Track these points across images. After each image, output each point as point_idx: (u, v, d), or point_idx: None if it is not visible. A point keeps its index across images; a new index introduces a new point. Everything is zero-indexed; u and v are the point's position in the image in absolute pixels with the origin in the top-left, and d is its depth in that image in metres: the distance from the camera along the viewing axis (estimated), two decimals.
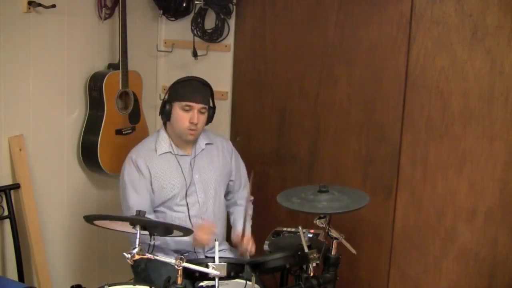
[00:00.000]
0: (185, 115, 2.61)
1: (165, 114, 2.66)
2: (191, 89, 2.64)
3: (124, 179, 2.63)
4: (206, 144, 2.77)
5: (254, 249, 2.64)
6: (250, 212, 2.85)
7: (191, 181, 2.69)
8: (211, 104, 2.72)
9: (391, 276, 3.21)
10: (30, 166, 2.72)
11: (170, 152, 2.68)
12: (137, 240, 2.04)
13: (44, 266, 2.77)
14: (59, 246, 2.97)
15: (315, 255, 2.20)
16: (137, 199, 2.59)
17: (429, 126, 3.05)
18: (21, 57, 2.65)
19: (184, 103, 2.61)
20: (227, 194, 2.89)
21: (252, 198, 2.90)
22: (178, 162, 2.68)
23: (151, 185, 2.63)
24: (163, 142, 2.69)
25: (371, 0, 3.08)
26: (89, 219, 2.16)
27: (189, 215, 2.67)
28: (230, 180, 2.86)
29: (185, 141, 2.69)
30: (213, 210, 2.73)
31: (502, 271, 3.00)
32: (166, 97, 2.68)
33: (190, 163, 2.71)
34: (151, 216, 2.59)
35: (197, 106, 2.62)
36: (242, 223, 2.69)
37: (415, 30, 3.00)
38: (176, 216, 2.67)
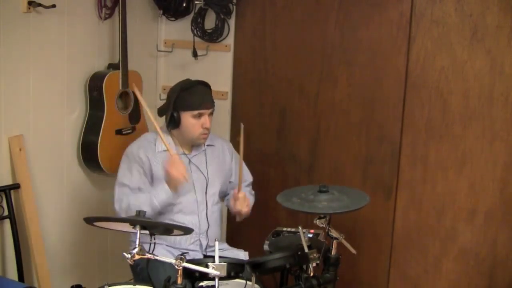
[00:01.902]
0: (197, 122, 2.63)
1: (174, 124, 2.65)
2: (200, 97, 2.65)
3: (122, 162, 2.67)
4: (207, 145, 2.78)
5: (247, 210, 2.70)
6: (252, 199, 2.88)
7: (189, 180, 2.69)
8: None
9: (391, 276, 3.21)
10: (30, 166, 2.72)
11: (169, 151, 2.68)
12: (137, 240, 2.04)
13: (44, 266, 2.77)
14: (59, 246, 2.97)
15: (315, 255, 2.20)
16: (129, 177, 2.62)
17: (429, 126, 3.05)
18: (21, 57, 2.65)
19: (196, 112, 2.62)
20: (225, 194, 2.89)
21: (253, 192, 2.91)
22: None
23: (151, 176, 2.64)
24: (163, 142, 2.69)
25: (371, 0, 3.08)
26: (89, 221, 2.16)
27: (206, 214, 2.68)
28: (230, 182, 2.87)
29: (196, 144, 2.71)
30: (210, 209, 2.74)
31: (502, 271, 3.00)
32: (171, 106, 2.64)
33: (189, 162, 2.71)
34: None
35: (208, 111, 2.65)
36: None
37: (415, 30, 3.00)
38: (175, 214, 2.67)
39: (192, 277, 2.13)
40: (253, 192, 2.95)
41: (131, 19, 3.07)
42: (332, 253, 2.33)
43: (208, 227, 2.71)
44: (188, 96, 2.64)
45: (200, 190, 2.72)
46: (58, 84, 2.87)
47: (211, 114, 2.67)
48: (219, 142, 2.86)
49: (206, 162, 2.75)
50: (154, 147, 2.67)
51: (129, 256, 2.01)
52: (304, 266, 2.23)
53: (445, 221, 3.07)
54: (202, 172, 2.73)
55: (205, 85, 2.70)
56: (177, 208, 2.67)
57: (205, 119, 2.63)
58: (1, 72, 2.56)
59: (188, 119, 2.63)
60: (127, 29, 2.98)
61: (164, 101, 2.75)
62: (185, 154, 2.70)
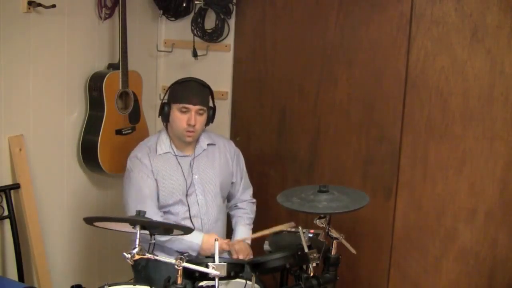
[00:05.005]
0: (183, 117, 2.62)
1: (164, 116, 2.67)
2: (188, 91, 2.64)
3: (130, 174, 2.64)
4: (208, 144, 2.77)
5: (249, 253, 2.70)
6: (253, 215, 2.88)
7: (191, 181, 2.69)
8: (210, 105, 2.72)
9: (391, 276, 3.21)
10: (30, 166, 2.72)
11: (170, 152, 2.68)
12: (137, 240, 2.04)
13: (44, 266, 2.77)
14: (59, 246, 2.97)
15: (315, 255, 2.20)
16: (149, 186, 2.61)
17: (429, 126, 3.05)
18: (21, 57, 2.65)
19: (181, 105, 2.62)
20: (228, 196, 2.89)
21: (254, 200, 2.91)
22: (178, 162, 2.68)
23: (156, 181, 2.64)
24: (164, 142, 2.70)
25: (371, 0, 3.08)
26: (89, 221, 2.15)
27: (190, 216, 2.67)
28: (232, 182, 2.86)
29: (184, 143, 2.69)
30: (213, 211, 2.73)
31: (502, 271, 3.00)
32: (165, 98, 2.68)
33: (190, 164, 2.71)
34: (157, 215, 2.61)
35: (194, 107, 2.62)
36: (241, 231, 2.77)
37: (415, 30, 3.00)
38: (176, 215, 2.67)
39: (192, 277, 2.13)
40: (254, 200, 2.95)
41: (131, 19, 3.07)
42: (332, 253, 2.32)
43: (212, 228, 2.71)
44: (178, 89, 2.66)
45: (202, 191, 2.71)
46: (58, 84, 2.87)
47: (200, 113, 2.64)
48: (220, 141, 2.86)
49: (208, 163, 2.75)
50: (155, 152, 2.68)
51: (129, 256, 2.01)
52: (304, 266, 2.24)
53: (445, 221, 3.07)
54: (203, 173, 2.73)
55: (199, 83, 2.69)
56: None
57: (190, 116, 2.61)
58: (1, 72, 2.56)
59: (175, 111, 2.63)
60: (127, 29, 2.98)
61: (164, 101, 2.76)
62: (174, 155, 2.69)
